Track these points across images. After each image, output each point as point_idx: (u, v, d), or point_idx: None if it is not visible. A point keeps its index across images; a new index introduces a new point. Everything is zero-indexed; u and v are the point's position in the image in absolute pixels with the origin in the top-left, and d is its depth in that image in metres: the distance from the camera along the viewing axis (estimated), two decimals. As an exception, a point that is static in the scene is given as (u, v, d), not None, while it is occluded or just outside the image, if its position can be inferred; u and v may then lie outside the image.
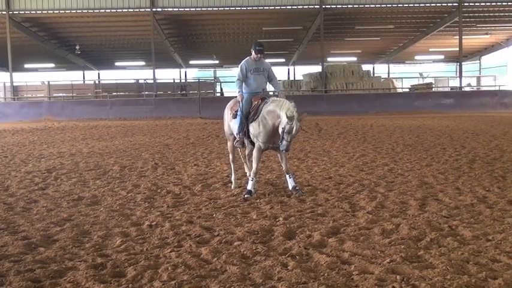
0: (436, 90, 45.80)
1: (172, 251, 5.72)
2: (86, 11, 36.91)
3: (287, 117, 8.07)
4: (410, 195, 8.36)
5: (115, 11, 36.92)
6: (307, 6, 37.48)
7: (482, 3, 38.30)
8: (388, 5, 37.65)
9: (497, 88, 43.84)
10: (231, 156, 9.94)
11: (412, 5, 37.88)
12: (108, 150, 15.56)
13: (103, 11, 36.87)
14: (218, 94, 48.21)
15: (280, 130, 8.32)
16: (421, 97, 36.97)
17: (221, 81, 56.47)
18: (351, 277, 4.89)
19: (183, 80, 56.58)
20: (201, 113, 32.34)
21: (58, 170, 11.82)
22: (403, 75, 59.23)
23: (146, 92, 40.48)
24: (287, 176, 8.90)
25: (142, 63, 55.00)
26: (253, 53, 9.42)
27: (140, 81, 45.84)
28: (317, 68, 43.53)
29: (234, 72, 65.05)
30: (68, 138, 19.97)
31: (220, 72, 63.35)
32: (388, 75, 56.56)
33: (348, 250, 5.64)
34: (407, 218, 6.95)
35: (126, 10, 36.93)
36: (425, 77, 56.21)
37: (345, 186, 9.33)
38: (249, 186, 8.73)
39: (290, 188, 8.80)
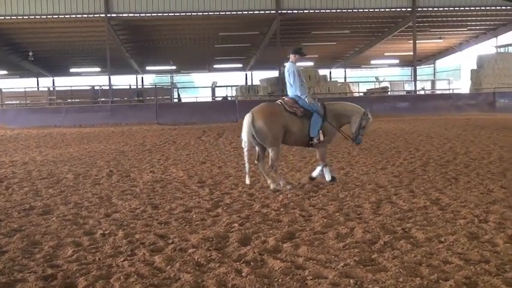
0: (392, 94, 46.40)
1: (125, 260, 5.63)
2: (39, 16, 36.27)
3: (365, 114, 9.70)
4: (365, 199, 8.41)
5: (69, 16, 36.39)
6: (263, 11, 37.61)
7: (435, 8, 39.02)
8: (343, 10, 38.05)
9: (451, 91, 44.64)
10: (276, 164, 9.71)
11: (367, 10, 38.37)
12: (62, 158, 15.29)
13: (56, 16, 36.29)
14: (176, 100, 47.95)
15: (354, 128, 9.84)
16: (377, 101, 37.36)
17: (178, 86, 56.19)
18: (305, 282, 4.89)
19: (139, 86, 56.14)
20: (158, 119, 32.07)
21: (10, 179, 11.55)
22: (359, 79, 59.91)
23: (102, 99, 40.02)
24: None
25: (98, 69, 54.36)
26: (297, 57, 9.98)
27: (96, 87, 45.26)
28: (274, 73, 43.68)
29: (191, 77, 65.26)
30: (21, 146, 19.56)
31: (178, 78, 63.08)
32: (345, 80, 57.14)
33: (303, 255, 5.64)
34: (361, 222, 6.99)
35: (80, 16, 36.44)
36: (381, 81, 56.93)
37: (301, 190, 9.35)
38: (329, 176, 9.87)
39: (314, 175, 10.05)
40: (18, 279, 5.13)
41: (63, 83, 56.96)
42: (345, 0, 37.72)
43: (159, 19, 38.09)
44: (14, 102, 40.65)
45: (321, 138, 9.55)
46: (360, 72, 64.49)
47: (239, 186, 9.96)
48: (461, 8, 39.03)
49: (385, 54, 54.33)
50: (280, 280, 4.93)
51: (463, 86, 49.92)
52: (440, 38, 49.35)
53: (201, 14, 37.08)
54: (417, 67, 43.83)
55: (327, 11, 37.92)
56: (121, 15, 36.77)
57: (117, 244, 6.27)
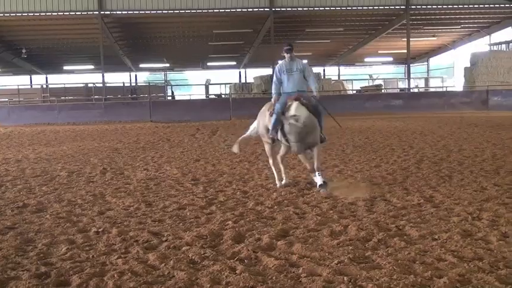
0: (386, 91, 46.43)
1: (119, 258, 5.62)
2: (32, 14, 36.11)
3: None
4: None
5: (62, 14, 36.25)
6: (257, 9, 37.56)
7: (429, 6, 39.08)
8: (337, 8, 38.04)
9: (444, 89, 44.71)
10: (270, 161, 10.02)
11: (361, 8, 38.37)
12: (55, 156, 15.25)
13: (50, 14, 36.16)
14: (169, 97, 47.85)
15: None
16: (371, 99, 37.39)
17: (172, 84, 56.07)
18: (299, 279, 4.89)
19: (133, 84, 55.96)
20: (152, 117, 31.99)
21: (3, 176, 11.52)
22: (353, 77, 59.89)
23: (95, 96, 39.85)
24: (315, 173, 9.21)
25: (91, 66, 54.10)
26: (284, 54, 9.76)
27: (89, 85, 45.08)
28: (268, 71, 43.64)
29: (185, 75, 65.17)
30: (15, 144, 19.50)
31: (171, 76, 62.95)
32: (339, 77, 57.08)
33: (297, 252, 5.64)
34: (355, 219, 7.00)
35: (73, 13, 36.31)
36: (374, 79, 56.95)
37: (295, 188, 9.35)
38: (320, 181, 9.04)
39: (317, 185, 9.09)
40: (11, 277, 5.12)
41: (56, 80, 56.65)
42: (338, -2, 37.79)
43: (153, 17, 38.00)
44: (7, 99, 40.36)
45: (266, 135, 9.59)
46: (354, 70, 64.46)
47: (233, 184, 9.96)
48: (454, 6, 39.09)
49: (379, 52, 54.36)
50: (274, 278, 4.93)
51: (456, 83, 50.00)
52: (433, 36, 49.42)
53: (194, 11, 37.01)
54: (411, 65, 43.86)
55: (320, 8, 37.91)
56: (114, 12, 36.67)
57: (111, 242, 6.26)
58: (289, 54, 9.65)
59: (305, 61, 9.98)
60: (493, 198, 8.02)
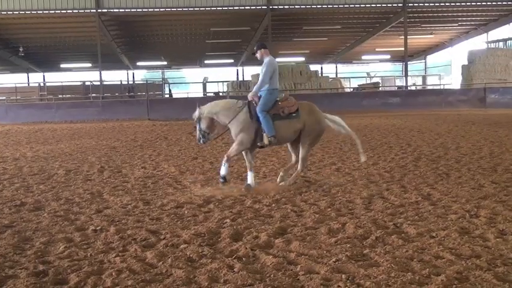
0: (383, 89, 46.47)
1: (117, 256, 5.61)
2: (29, 12, 36.12)
3: None
4: (356, 194, 8.42)
5: (59, 12, 36.23)
6: (254, 7, 37.58)
7: (426, 4, 39.15)
8: (334, 6, 38.09)
9: (442, 87, 44.75)
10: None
11: (358, 5, 38.44)
12: (53, 154, 15.22)
13: (47, 12, 36.13)
14: (167, 95, 47.81)
15: None
16: (369, 96, 37.46)
17: (169, 82, 56.02)
18: (296, 277, 4.88)
19: (130, 82, 55.91)
20: (150, 115, 31.96)
21: (0, 175, 11.49)
22: (350, 75, 59.99)
23: (93, 94, 39.81)
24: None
25: (89, 64, 54.08)
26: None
27: (87, 83, 45.03)
28: (265, 69, 43.55)
29: (183, 73, 65.21)
30: (12, 142, 19.46)
31: (169, 74, 62.93)
32: (336, 75, 57.14)
33: (295, 250, 5.64)
34: (353, 217, 7.00)
35: (71, 11, 36.30)
36: (372, 77, 56.98)
37: (293, 186, 9.34)
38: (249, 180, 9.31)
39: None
40: (9, 276, 5.10)
41: (53, 78, 56.58)
42: (336, -4, 37.81)
43: (150, 15, 38.00)
44: (5, 98, 40.30)
45: None
46: (351, 67, 64.50)
47: (230, 182, 9.94)
48: (451, 4, 39.17)
49: (377, 49, 54.43)
50: (272, 275, 4.93)
51: (453, 81, 50.05)
52: (431, 34, 49.50)
53: (192, 9, 37.01)
54: (408, 63, 43.97)
55: (318, 6, 37.94)
56: (112, 10, 36.65)
57: (109, 240, 6.25)
58: (256, 55, 9.58)
59: (267, 59, 9.37)
60: (490, 195, 8.03)
